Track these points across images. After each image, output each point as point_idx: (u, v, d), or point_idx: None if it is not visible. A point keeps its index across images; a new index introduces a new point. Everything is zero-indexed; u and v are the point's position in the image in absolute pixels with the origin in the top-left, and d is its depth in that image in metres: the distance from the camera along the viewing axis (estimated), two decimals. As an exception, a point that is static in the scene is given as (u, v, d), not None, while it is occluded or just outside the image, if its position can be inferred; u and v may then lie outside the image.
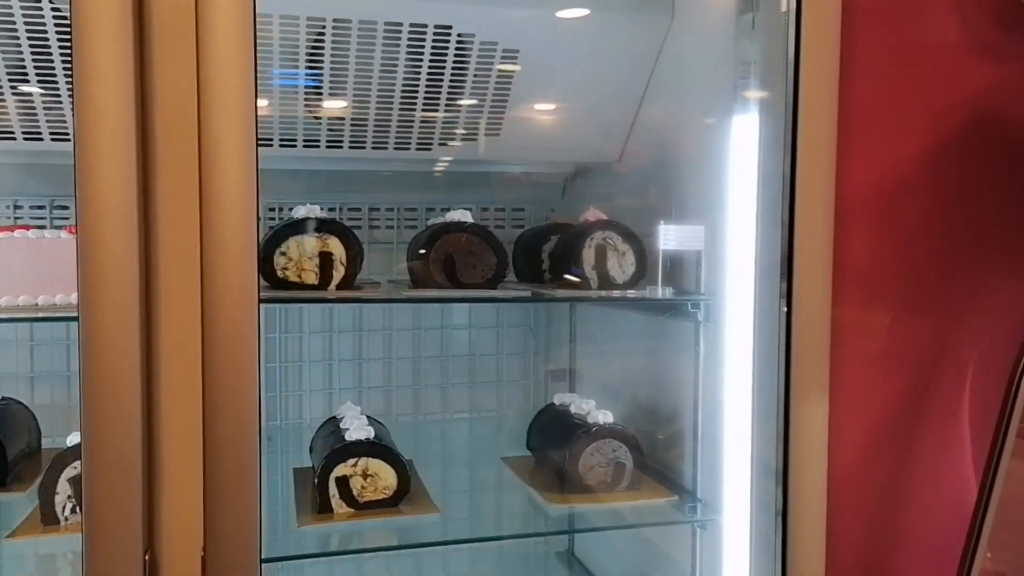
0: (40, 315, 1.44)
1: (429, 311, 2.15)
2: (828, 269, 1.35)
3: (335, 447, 1.51)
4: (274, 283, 1.46)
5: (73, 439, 1.47)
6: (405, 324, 2.16)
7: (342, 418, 1.64)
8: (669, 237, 1.60)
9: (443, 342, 2.19)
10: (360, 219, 2.08)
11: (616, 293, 1.62)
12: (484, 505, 1.79)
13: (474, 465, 2.04)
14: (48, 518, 1.42)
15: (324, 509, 1.49)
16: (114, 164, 1.07)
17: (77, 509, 1.43)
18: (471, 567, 2.18)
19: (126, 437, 1.10)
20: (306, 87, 1.64)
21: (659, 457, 1.71)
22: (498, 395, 2.23)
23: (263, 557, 1.16)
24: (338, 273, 1.50)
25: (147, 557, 1.11)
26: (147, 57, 1.08)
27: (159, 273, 1.11)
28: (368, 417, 1.67)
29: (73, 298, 1.35)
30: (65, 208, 1.93)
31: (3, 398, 1.76)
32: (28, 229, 1.37)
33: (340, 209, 2.06)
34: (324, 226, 1.48)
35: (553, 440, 1.70)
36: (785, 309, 1.33)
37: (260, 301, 1.11)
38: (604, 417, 1.63)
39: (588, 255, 1.61)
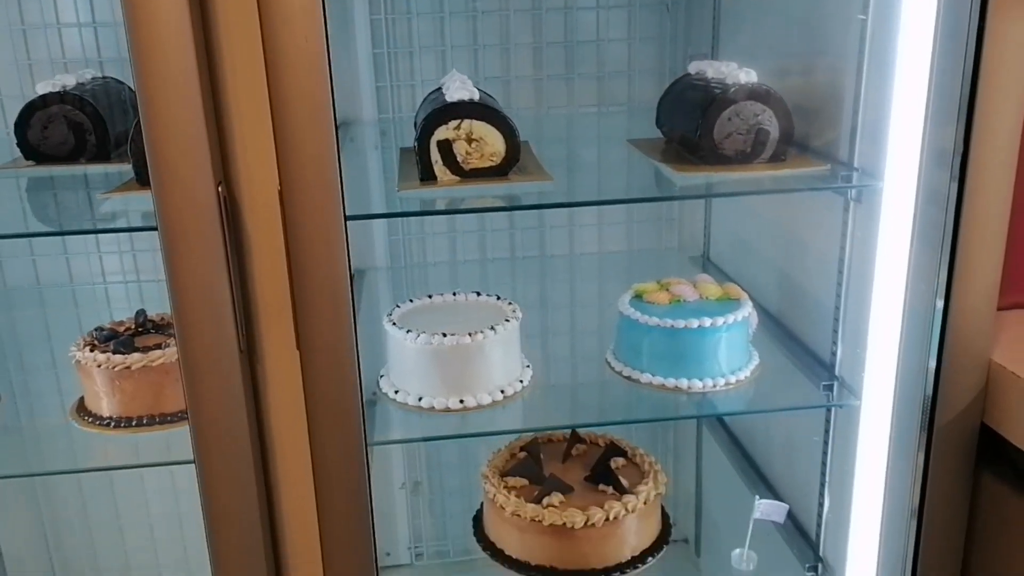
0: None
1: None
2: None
3: (436, 108, 1.35)
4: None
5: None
6: (523, 3, 1.91)
7: (445, 85, 1.47)
8: None
9: (567, 26, 1.94)
10: None
11: None
12: (607, 182, 1.61)
13: (598, 147, 1.85)
14: (143, 180, 1.37)
15: (427, 177, 1.37)
16: None
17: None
18: (599, 270, 2.07)
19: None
20: None
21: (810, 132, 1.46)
22: (629, 87, 1.99)
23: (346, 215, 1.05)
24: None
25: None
26: None
27: None
28: (479, 90, 1.50)
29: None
30: None
31: (103, 77, 1.70)
32: None
33: None
34: None
35: (685, 110, 1.47)
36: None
37: None
38: (747, 76, 1.37)
39: None
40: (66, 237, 1.83)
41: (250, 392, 1.09)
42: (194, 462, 1.10)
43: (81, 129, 1.55)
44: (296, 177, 1.03)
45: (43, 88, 1.53)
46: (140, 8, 0.93)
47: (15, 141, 1.53)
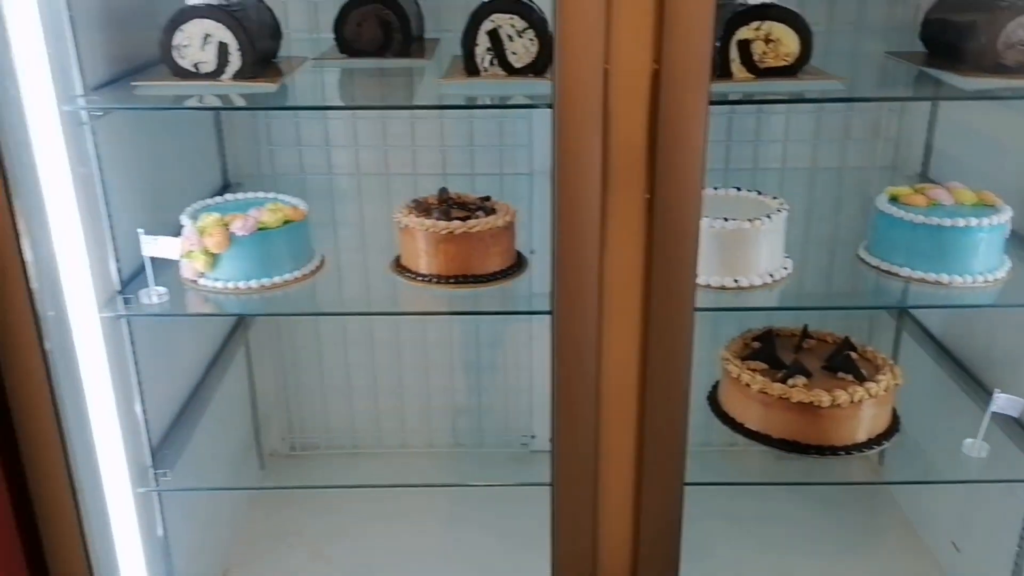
0: None
1: None
2: None
3: (737, 11, 1.49)
4: None
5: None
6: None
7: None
8: None
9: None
10: None
11: None
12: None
13: (857, 60, 1.94)
14: (471, 69, 1.55)
15: (723, 74, 1.50)
16: None
17: (494, 61, 1.54)
18: (808, 184, 2.18)
19: None
20: None
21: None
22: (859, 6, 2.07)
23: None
24: None
25: (608, 63, 1.19)
26: None
27: None
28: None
29: None
30: None
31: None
32: None
33: None
34: None
35: (963, 22, 1.56)
36: None
37: None
38: (1035, -11, 1.46)
39: None
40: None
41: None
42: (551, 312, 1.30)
43: (389, 27, 1.73)
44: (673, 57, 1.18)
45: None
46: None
47: (333, 36, 1.73)
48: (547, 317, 1.37)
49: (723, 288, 1.56)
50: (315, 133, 2.17)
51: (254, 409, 2.33)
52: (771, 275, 1.59)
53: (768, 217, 1.56)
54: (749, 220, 1.55)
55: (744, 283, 1.57)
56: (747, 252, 1.57)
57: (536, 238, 1.71)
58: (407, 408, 2.43)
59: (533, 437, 2.45)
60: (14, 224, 1.25)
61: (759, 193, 1.70)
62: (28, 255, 1.28)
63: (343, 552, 2.16)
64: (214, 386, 1.94)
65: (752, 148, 2.20)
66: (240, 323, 2.17)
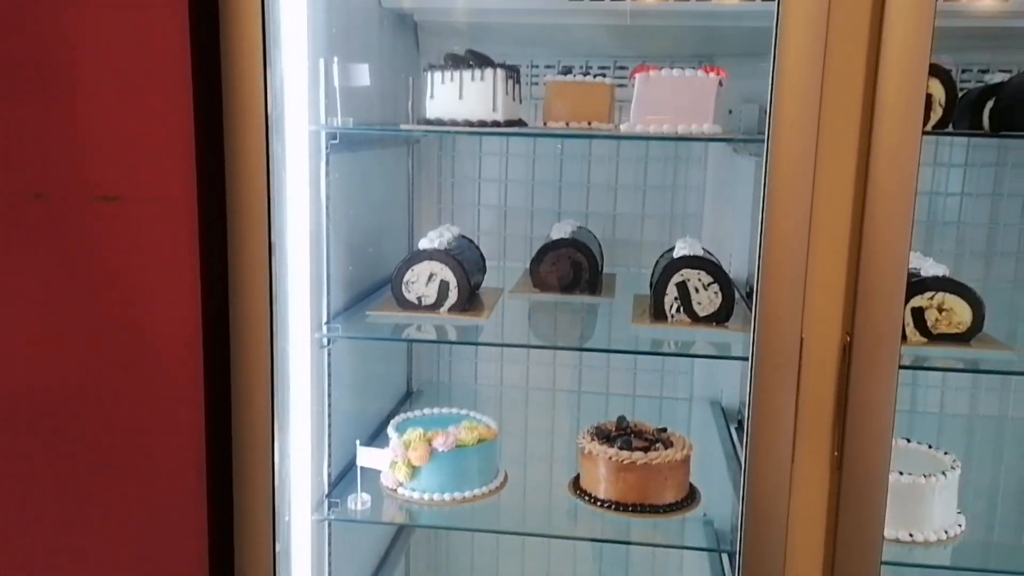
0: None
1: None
2: None
3: (914, 281, 1.62)
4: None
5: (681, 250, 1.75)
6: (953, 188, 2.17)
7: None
8: None
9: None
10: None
11: None
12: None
13: (1017, 328, 2.02)
14: (658, 315, 1.72)
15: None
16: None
17: (681, 309, 1.71)
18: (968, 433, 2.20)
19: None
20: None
21: None
22: (1017, 268, 2.17)
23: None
24: (935, 115, 1.57)
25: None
26: None
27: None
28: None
29: (706, 127, 1.58)
30: (623, 68, 2.21)
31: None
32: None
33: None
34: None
35: None
36: None
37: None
38: None
39: None
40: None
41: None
42: (735, 551, 1.37)
43: (579, 267, 1.94)
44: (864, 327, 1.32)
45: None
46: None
47: (528, 273, 1.96)
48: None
49: (897, 541, 1.60)
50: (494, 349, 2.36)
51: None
52: (946, 531, 1.62)
53: (943, 474, 1.61)
54: (924, 476, 1.60)
55: (919, 538, 1.60)
56: (922, 507, 1.61)
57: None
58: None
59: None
60: (272, 434, 1.45)
61: (929, 447, 1.76)
62: (277, 462, 1.47)
63: None
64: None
65: (910, 390, 2.26)
66: (402, 530, 2.28)
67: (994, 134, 1.61)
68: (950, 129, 1.60)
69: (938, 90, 1.56)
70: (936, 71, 1.55)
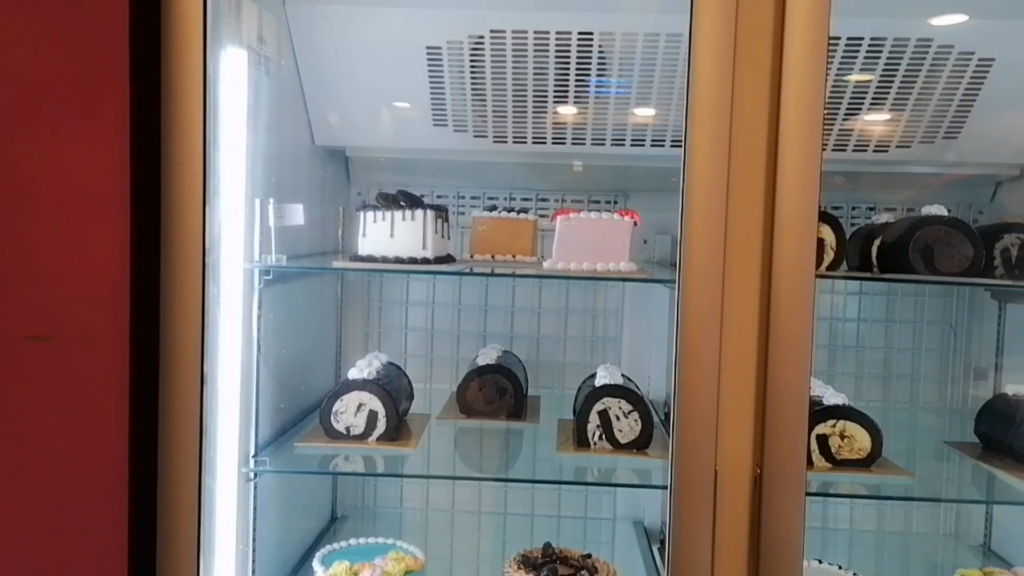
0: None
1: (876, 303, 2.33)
2: None
3: (817, 410, 1.73)
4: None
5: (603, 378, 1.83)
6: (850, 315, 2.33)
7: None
8: None
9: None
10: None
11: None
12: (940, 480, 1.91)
13: (916, 445, 2.15)
14: (582, 442, 1.78)
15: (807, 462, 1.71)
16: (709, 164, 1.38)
17: (603, 436, 1.78)
18: (875, 551, 2.30)
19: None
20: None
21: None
22: (912, 389, 2.33)
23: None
24: (828, 257, 1.72)
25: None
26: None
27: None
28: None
29: (622, 266, 1.69)
30: (545, 200, 2.34)
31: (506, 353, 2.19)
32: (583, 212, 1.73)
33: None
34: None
35: (1014, 427, 1.79)
36: None
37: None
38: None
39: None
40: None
41: None
42: None
43: (504, 393, 2.00)
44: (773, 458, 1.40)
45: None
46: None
47: (455, 397, 2.01)
48: None
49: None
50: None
51: None
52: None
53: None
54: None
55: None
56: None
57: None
58: None
59: None
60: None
61: (840, 567, 1.84)
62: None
63: None
64: None
65: (820, 507, 2.36)
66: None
67: (880, 277, 1.76)
68: (843, 271, 1.75)
69: (829, 235, 1.72)
70: (826, 218, 1.72)
